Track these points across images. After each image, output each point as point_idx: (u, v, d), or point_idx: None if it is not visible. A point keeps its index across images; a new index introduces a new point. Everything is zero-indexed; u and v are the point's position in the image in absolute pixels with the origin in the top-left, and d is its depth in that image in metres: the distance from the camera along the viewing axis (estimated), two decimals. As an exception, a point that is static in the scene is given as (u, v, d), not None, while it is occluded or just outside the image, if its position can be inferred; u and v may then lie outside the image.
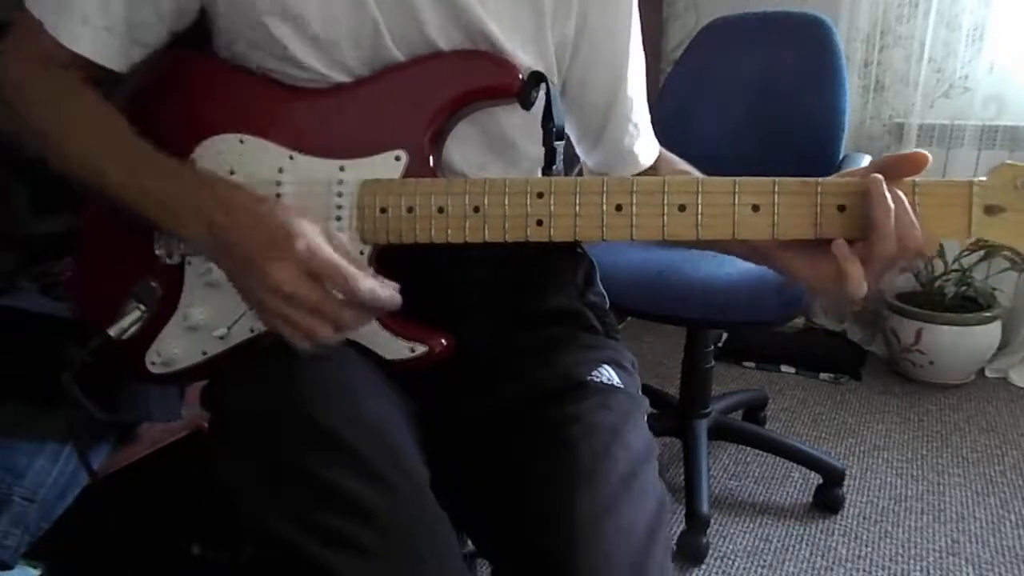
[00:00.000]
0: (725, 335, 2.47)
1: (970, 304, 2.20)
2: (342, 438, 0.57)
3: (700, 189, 0.61)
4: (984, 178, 0.58)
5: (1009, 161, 0.58)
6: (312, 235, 0.58)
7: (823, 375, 2.31)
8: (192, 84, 0.73)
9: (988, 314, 2.15)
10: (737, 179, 0.61)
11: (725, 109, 1.76)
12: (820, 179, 0.60)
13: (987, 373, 2.30)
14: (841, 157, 1.59)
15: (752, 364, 2.40)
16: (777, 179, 0.60)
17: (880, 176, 0.58)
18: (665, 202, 0.61)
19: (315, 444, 0.56)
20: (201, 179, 0.65)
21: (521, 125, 0.75)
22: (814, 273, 0.63)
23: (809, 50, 1.66)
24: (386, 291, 0.60)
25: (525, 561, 0.60)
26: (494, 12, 0.69)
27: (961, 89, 2.28)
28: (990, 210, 0.58)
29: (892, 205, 0.57)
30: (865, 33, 2.33)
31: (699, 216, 0.61)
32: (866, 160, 1.55)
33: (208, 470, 0.62)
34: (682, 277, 1.44)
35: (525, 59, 0.71)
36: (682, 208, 0.61)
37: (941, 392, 2.20)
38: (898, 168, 0.59)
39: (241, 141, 0.69)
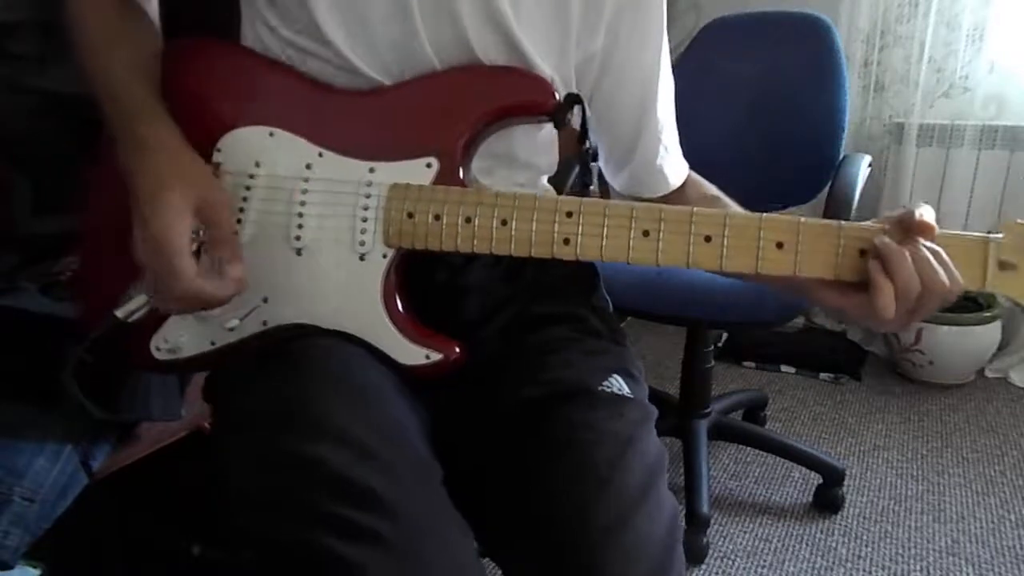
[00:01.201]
0: (725, 335, 2.47)
1: (970, 304, 2.20)
2: (352, 432, 0.57)
3: (727, 223, 0.62)
4: (1000, 235, 0.60)
5: (1021, 220, 0.60)
6: (169, 221, 0.60)
7: (823, 375, 2.31)
8: (224, 73, 0.72)
9: (988, 314, 2.15)
10: (763, 215, 0.62)
11: (725, 109, 1.76)
12: (843, 222, 0.61)
13: (987, 373, 2.30)
14: (841, 157, 1.59)
15: (752, 364, 2.40)
16: (803, 219, 0.62)
17: (885, 239, 0.59)
18: (692, 231, 0.62)
19: (325, 438, 0.56)
20: (148, 127, 0.66)
21: (527, 141, 0.76)
22: (848, 304, 0.63)
23: (809, 50, 1.66)
24: (215, 288, 0.62)
25: (543, 564, 0.60)
26: (527, 24, 0.70)
27: (961, 89, 2.28)
28: (1003, 265, 0.60)
29: (906, 251, 0.58)
30: (865, 33, 2.33)
31: (724, 248, 0.62)
32: (866, 160, 1.55)
33: (210, 468, 0.62)
34: (682, 277, 1.44)
35: (547, 72, 0.71)
36: (708, 239, 0.63)
37: (941, 392, 2.20)
38: (916, 230, 0.60)
39: (271, 134, 0.69)
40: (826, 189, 1.54)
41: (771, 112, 1.70)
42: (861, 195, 1.46)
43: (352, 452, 0.55)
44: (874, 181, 2.34)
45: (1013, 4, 2.17)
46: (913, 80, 2.28)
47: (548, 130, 0.76)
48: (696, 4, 2.63)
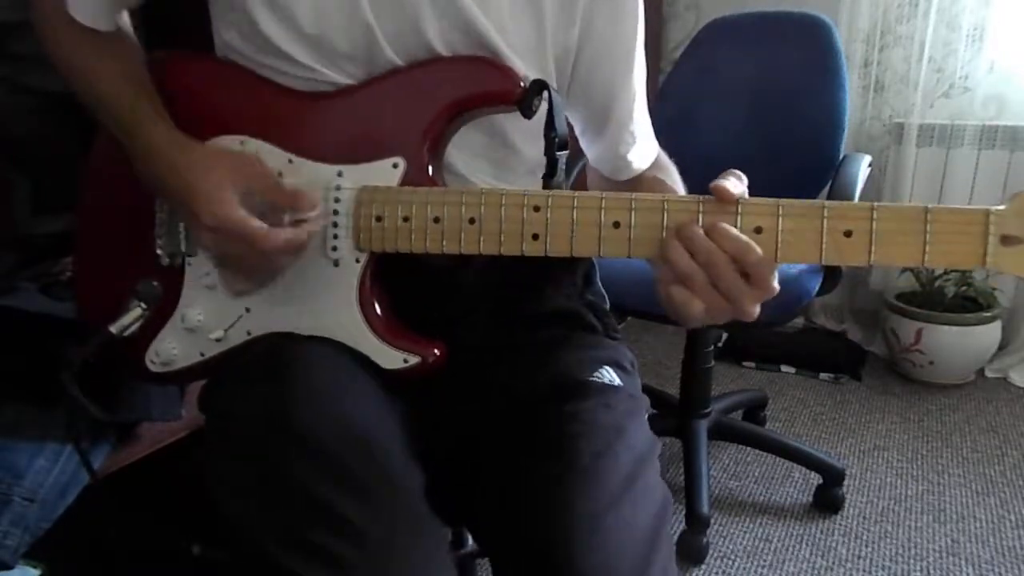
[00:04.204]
0: (725, 335, 2.47)
1: (970, 304, 2.20)
2: (330, 450, 0.56)
3: (701, 209, 0.58)
4: (1002, 207, 0.55)
5: None
6: (218, 203, 0.62)
7: (823, 375, 2.31)
8: (193, 86, 0.72)
9: (988, 314, 2.15)
10: (741, 199, 0.59)
11: (725, 109, 1.75)
12: (826, 202, 0.57)
13: (987, 373, 2.30)
14: (841, 157, 1.59)
15: (752, 364, 2.40)
16: (782, 201, 0.58)
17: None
18: (664, 221, 0.60)
19: (303, 455, 0.56)
20: (155, 131, 0.68)
21: (522, 127, 0.74)
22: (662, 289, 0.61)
23: (809, 50, 1.66)
24: (300, 232, 0.64)
25: (525, 559, 0.60)
26: (496, 22, 0.68)
27: (961, 89, 2.28)
28: (1006, 240, 0.55)
29: (676, 239, 0.57)
30: (865, 33, 2.33)
31: None
32: (866, 160, 1.55)
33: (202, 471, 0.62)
34: (682, 277, 1.43)
35: (525, 70, 0.69)
36: None
37: (941, 392, 2.20)
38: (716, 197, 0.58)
39: (241, 143, 0.69)
40: (826, 189, 1.54)
41: (771, 112, 1.71)
42: (861, 195, 1.47)
43: (326, 473, 0.56)
44: (874, 181, 2.35)
45: (1013, 4, 2.17)
46: (913, 80, 2.28)
47: (538, 120, 0.75)
48: (696, 4, 2.63)
